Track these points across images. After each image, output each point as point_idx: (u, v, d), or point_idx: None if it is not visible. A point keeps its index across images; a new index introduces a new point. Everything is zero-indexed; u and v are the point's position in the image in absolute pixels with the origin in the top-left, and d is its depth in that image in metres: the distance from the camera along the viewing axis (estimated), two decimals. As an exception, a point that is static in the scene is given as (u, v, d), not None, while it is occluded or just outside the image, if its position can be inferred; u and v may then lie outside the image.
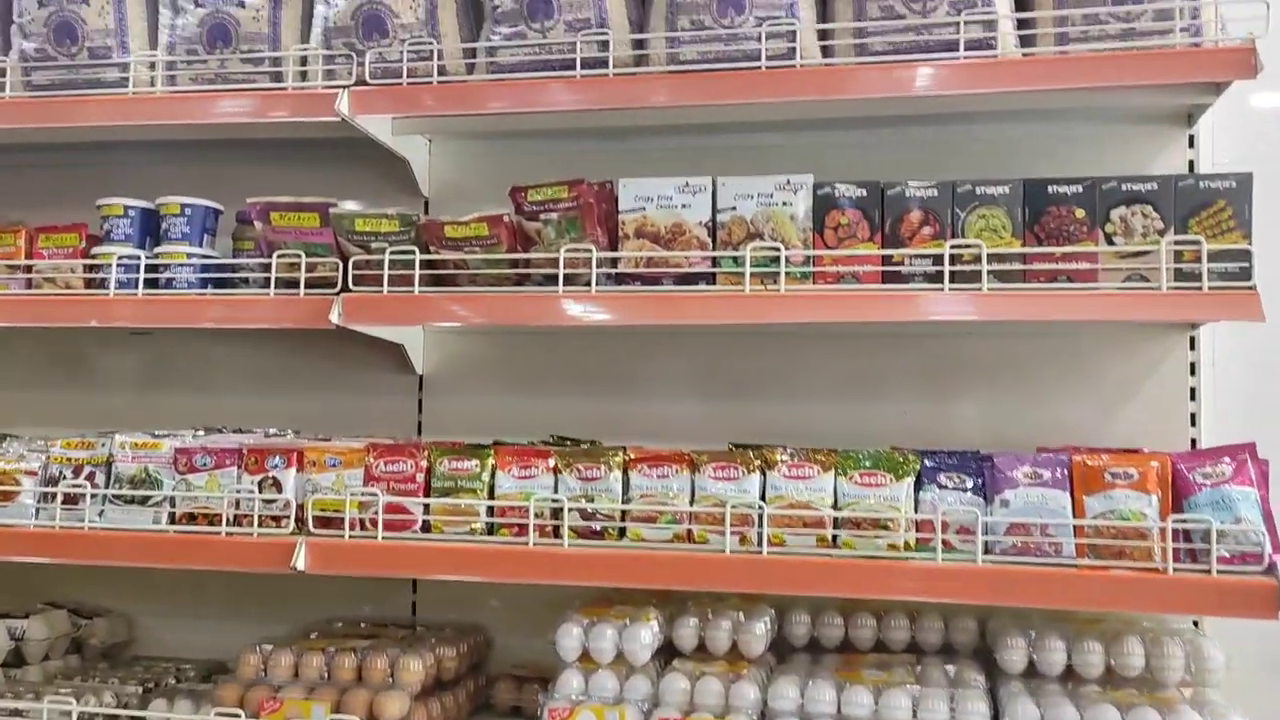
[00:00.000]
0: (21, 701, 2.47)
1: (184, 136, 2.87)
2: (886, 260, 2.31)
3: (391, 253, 2.49)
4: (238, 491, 2.46)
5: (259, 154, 3.00)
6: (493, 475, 2.38)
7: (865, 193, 2.33)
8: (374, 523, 2.37)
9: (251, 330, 2.94)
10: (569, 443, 2.68)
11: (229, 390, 3.10)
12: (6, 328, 2.77)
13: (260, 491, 2.44)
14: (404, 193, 2.97)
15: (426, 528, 2.38)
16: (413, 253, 2.48)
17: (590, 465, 2.33)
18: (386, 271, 2.49)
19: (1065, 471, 2.15)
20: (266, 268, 2.61)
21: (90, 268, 2.69)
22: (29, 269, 2.71)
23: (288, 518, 2.41)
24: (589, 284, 2.40)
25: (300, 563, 2.34)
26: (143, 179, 2.93)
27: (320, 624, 2.86)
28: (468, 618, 2.89)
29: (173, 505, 2.49)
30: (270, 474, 2.45)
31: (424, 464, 2.40)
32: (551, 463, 2.36)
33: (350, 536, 2.37)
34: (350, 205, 2.55)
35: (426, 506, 2.38)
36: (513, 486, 2.36)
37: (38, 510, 2.55)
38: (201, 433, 2.66)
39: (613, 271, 2.45)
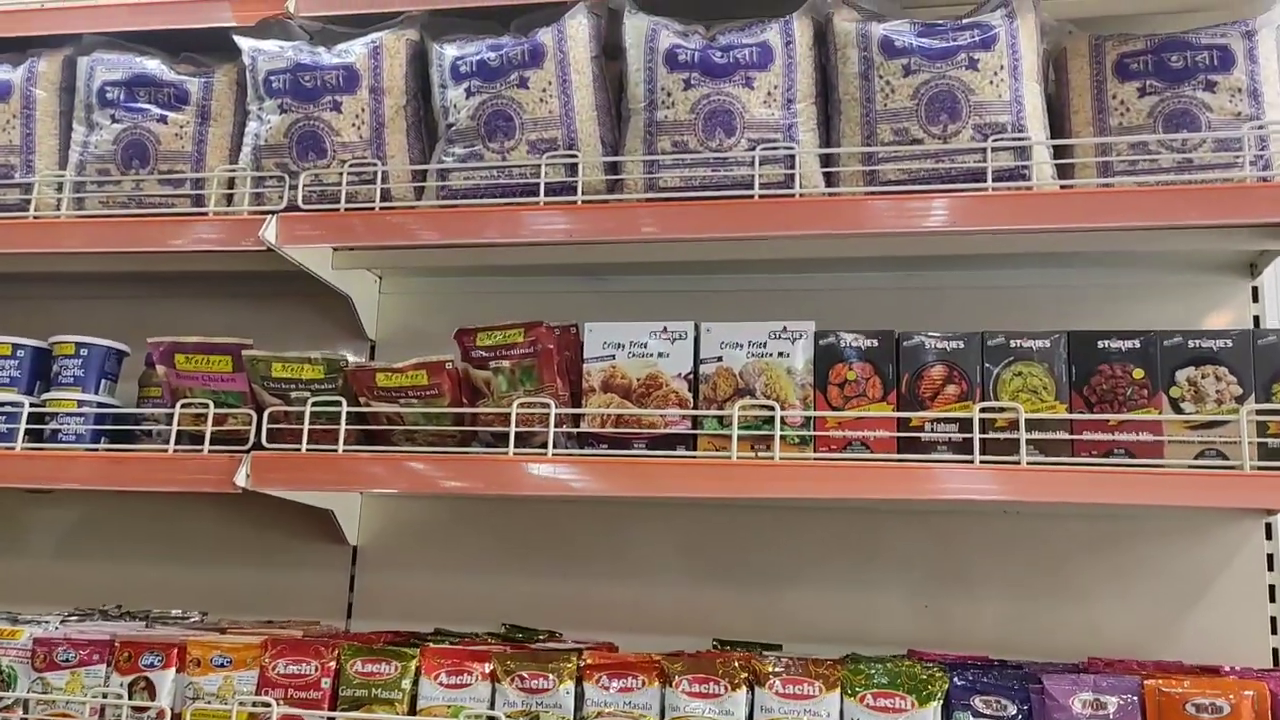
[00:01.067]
0: None
1: (92, 268, 2.52)
2: (903, 424, 1.91)
3: (314, 404, 2.10)
4: (103, 696, 1.99)
5: (181, 290, 2.64)
6: (415, 683, 1.91)
7: (877, 343, 1.95)
8: (267, 739, 1.89)
9: (161, 491, 2.52)
10: (523, 634, 2.23)
11: (135, 559, 2.65)
12: None
13: (130, 697, 1.97)
14: (348, 335, 2.59)
15: (343, 747, 1.91)
16: (339, 404, 2.09)
17: (537, 674, 1.86)
18: (307, 426, 2.09)
19: (1136, 701, 1.68)
20: (171, 419, 2.21)
21: (-33, 415, 2.29)
22: (-107, 416, 2.31)
23: (158, 729, 1.94)
24: (545, 446, 2.00)
25: (168, 792, 1.86)
26: (44, 317, 2.56)
27: None
28: None
29: (25, 710, 2.02)
30: (144, 674, 1.99)
31: (332, 665, 1.94)
32: (488, 668, 1.90)
33: (230, 758, 1.90)
34: (265, 350, 2.17)
35: (337, 721, 1.91)
36: (440, 698, 1.89)
37: None
38: (74, 617, 2.20)
39: (575, 431, 2.05)
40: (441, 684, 1.89)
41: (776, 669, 1.80)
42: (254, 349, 2.15)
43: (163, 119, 2.31)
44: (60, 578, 2.66)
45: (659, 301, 2.31)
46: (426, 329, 2.57)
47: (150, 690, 1.97)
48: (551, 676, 1.85)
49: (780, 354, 1.98)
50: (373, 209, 2.20)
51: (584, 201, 2.12)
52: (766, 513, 2.34)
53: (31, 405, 2.26)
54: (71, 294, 2.67)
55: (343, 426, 2.08)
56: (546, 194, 2.12)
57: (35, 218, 2.33)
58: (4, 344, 2.31)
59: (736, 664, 1.81)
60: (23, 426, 2.24)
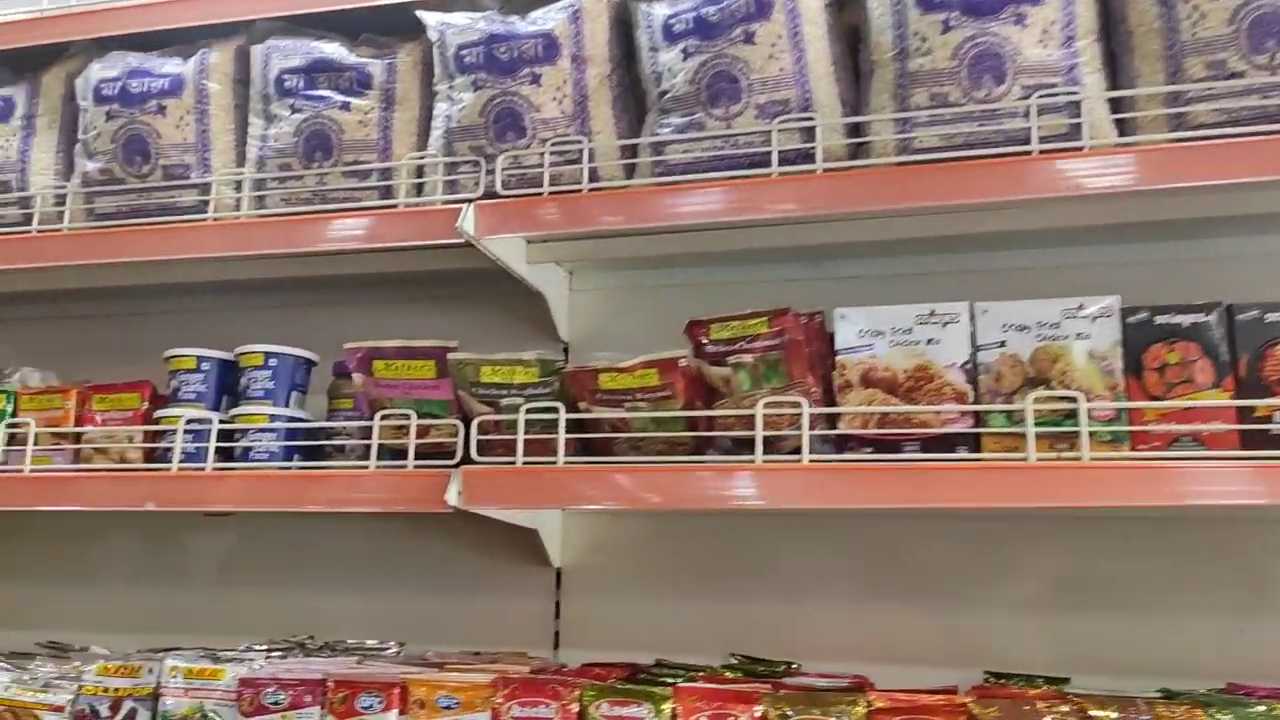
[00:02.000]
0: None
1: (272, 274, 2.33)
2: (1245, 414, 1.58)
3: (528, 410, 1.87)
4: (316, 745, 1.79)
5: (361, 295, 2.45)
6: (671, 727, 1.67)
7: (1204, 318, 1.63)
8: (500, 794, 1.67)
9: (349, 512, 2.33)
10: (762, 666, 1.97)
11: (322, 587, 2.47)
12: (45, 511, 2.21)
13: (348, 743, 1.77)
14: (539, 338, 2.36)
15: (576, 803, 1.67)
16: (556, 410, 1.86)
17: (815, 716, 1.59)
18: (521, 436, 1.86)
19: None
20: (367, 432, 2.02)
21: (152, 434, 2.14)
22: (77, 438, 2.17)
23: (384, 782, 1.73)
24: (797, 451, 1.73)
25: None
26: (222, 328, 2.39)
27: None
28: None
29: (232, 758, 1.84)
30: (362, 718, 1.78)
31: (574, 709, 1.70)
32: (759, 711, 1.63)
33: (465, 814, 1.68)
34: (471, 353, 1.95)
35: (577, 773, 1.68)
36: (705, 746, 1.64)
37: (60, 761, 1.92)
38: (277, 654, 2.01)
39: (829, 433, 1.78)
40: (701, 730, 1.64)
41: (1111, 713, 1.50)
42: (460, 352, 1.94)
43: (345, 106, 2.12)
44: (241, 606, 2.49)
45: (911, 288, 2.01)
46: (621, 329, 2.33)
47: (369, 737, 1.76)
48: (835, 722, 1.58)
49: (1078, 335, 1.67)
50: (580, 190, 1.97)
51: (825, 170, 1.84)
52: (1051, 522, 2.02)
53: (221, 422, 2.09)
54: (250, 304, 2.51)
55: (562, 435, 1.85)
56: (780, 164, 1.85)
57: (215, 219, 2.17)
58: (188, 356, 2.14)
59: (1063, 707, 1.51)
60: (213, 445, 2.07)
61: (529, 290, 2.28)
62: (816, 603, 2.14)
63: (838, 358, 1.78)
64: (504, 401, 1.91)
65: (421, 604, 2.38)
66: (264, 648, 2.09)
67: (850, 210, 1.81)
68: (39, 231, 2.26)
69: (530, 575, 2.32)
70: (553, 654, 2.29)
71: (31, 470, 2.14)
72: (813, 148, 1.85)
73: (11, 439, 2.19)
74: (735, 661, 2.05)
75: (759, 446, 1.73)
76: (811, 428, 1.73)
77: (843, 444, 1.77)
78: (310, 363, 2.17)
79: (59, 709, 1.94)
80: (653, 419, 1.85)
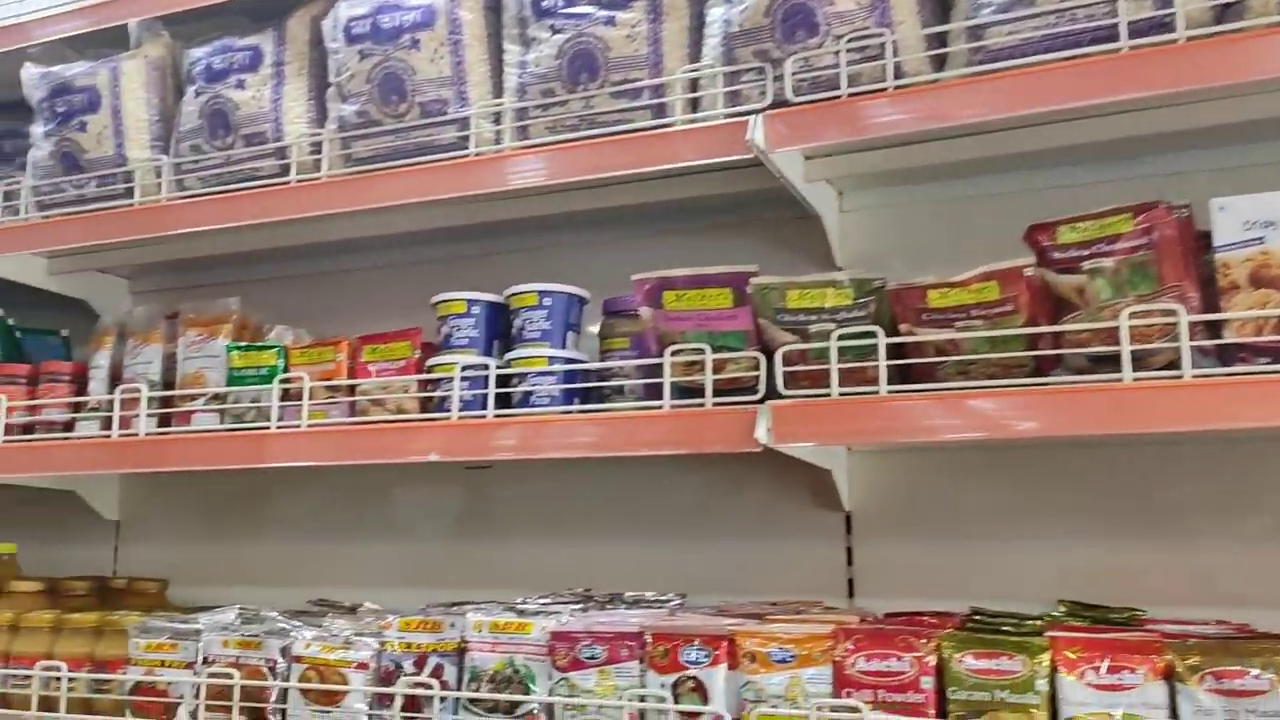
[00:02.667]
0: None
1: (533, 211, 2.22)
2: None
3: (841, 337, 1.69)
4: (642, 700, 1.67)
5: (616, 231, 2.32)
6: (1052, 681, 1.47)
7: None
8: (856, 755, 1.51)
9: (621, 458, 2.21)
10: (1092, 613, 1.74)
11: (590, 537, 2.36)
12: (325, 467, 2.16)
13: (677, 700, 1.65)
14: (807, 266, 2.17)
15: (942, 765, 1.50)
16: (874, 335, 1.67)
17: (1235, 670, 1.37)
18: (835, 365, 1.69)
19: None
20: (652, 371, 1.88)
21: (425, 384, 2.05)
22: (352, 390, 2.11)
23: (720, 742, 1.60)
24: (1172, 365, 1.50)
25: (749, 819, 1.51)
26: (479, 272, 2.29)
27: None
28: None
29: (550, 716, 1.74)
30: (689, 673, 1.65)
31: (931, 661, 1.53)
32: (1158, 661, 1.42)
33: (820, 774, 1.53)
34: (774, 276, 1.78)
35: (943, 727, 1.51)
36: (1093, 703, 1.43)
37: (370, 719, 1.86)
38: (577, 606, 1.91)
39: (1213, 343, 1.54)
40: (1091, 684, 1.44)
41: None
42: (761, 276, 1.77)
43: (610, 21, 1.96)
44: (509, 559, 2.42)
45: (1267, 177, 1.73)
46: (899, 251, 2.12)
47: (701, 691, 1.63)
48: (1266, 675, 1.35)
49: None
50: (887, 89, 1.76)
51: (1189, 39, 1.58)
52: None
53: (499, 367, 1.99)
54: (516, 246, 2.40)
55: (883, 362, 1.67)
56: (1131, 36, 1.60)
57: (476, 155, 2.05)
58: (458, 300, 2.05)
59: None
60: (492, 391, 1.97)
61: (801, 215, 2.11)
62: (1147, 540, 1.90)
63: (1218, 256, 1.53)
64: (813, 328, 1.74)
65: (699, 554, 2.25)
66: (544, 600, 1.98)
67: (1224, 84, 1.55)
68: (298, 182, 2.20)
69: (817, 520, 2.16)
70: (848, 603, 2.13)
71: (309, 425, 2.09)
72: (1169, 14, 1.59)
73: (286, 395, 2.14)
74: (1065, 609, 1.83)
75: (1126, 363, 1.51)
76: (1191, 338, 1.50)
77: (1229, 356, 1.52)
78: (583, 301, 2.05)
79: (363, 666, 1.88)
80: (987, 339, 1.64)
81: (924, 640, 1.54)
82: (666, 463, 2.28)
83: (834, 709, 1.54)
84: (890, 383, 1.67)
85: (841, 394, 1.69)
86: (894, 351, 1.70)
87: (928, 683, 1.51)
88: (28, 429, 2.39)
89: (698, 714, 1.63)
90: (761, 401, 1.74)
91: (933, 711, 1.50)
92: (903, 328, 1.69)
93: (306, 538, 2.62)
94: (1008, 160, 1.96)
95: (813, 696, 1.57)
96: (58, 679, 2.07)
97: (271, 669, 1.94)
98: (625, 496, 2.32)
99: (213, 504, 2.74)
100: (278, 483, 2.65)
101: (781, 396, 1.73)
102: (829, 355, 1.69)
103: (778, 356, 1.74)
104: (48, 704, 2.09)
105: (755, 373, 1.78)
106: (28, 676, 2.10)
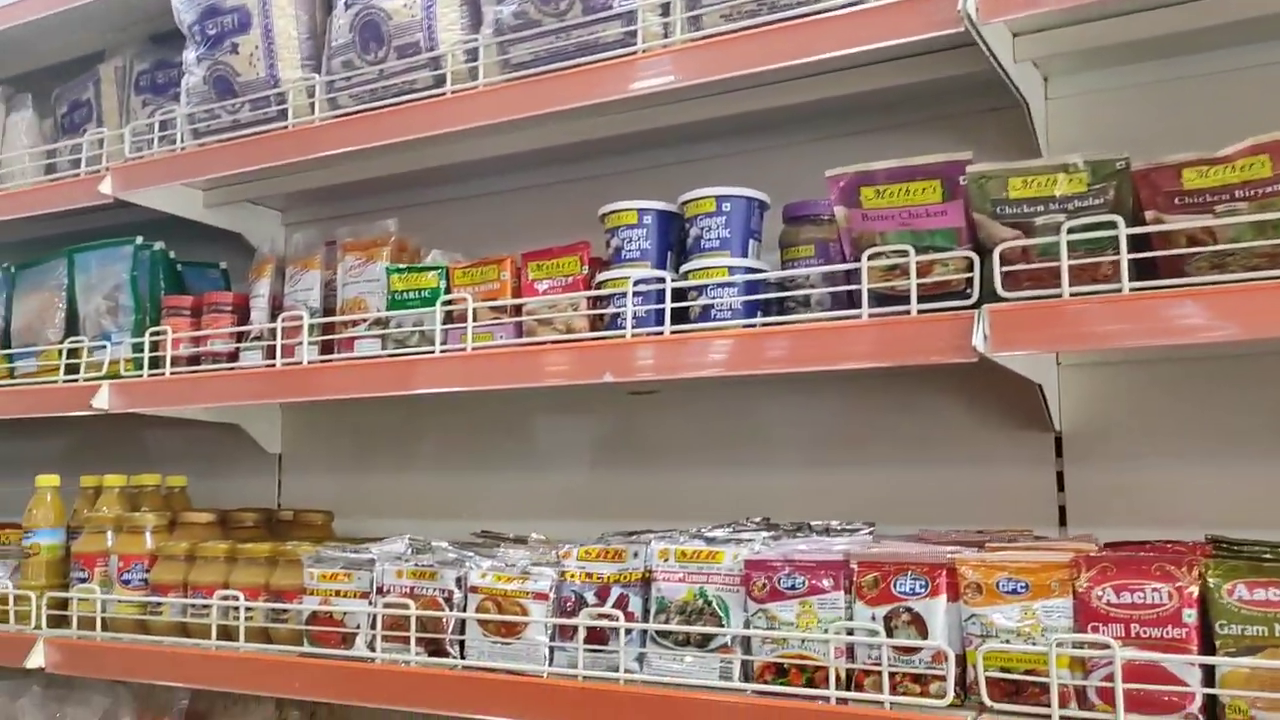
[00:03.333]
0: None
1: (705, 114, 2.05)
2: None
3: (1074, 230, 1.49)
4: (849, 633, 1.53)
5: (786, 136, 2.15)
6: (1350, 616, 1.27)
7: None
8: (1104, 695, 1.34)
9: (799, 376, 2.06)
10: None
11: (766, 462, 2.22)
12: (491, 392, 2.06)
13: (890, 634, 1.50)
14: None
15: (1211, 711, 1.31)
16: (1113, 226, 1.46)
17: None
18: (1066, 261, 1.48)
19: None
20: (843, 278, 1.71)
21: (596, 301, 1.93)
22: (518, 310, 2.00)
23: (941, 678, 1.44)
24: None
25: (978, 765, 1.36)
26: (644, 186, 2.14)
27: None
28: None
29: (746, 649, 1.62)
30: (904, 604, 1.50)
31: (1193, 591, 1.34)
32: None
33: (1062, 717, 1.36)
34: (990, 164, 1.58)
35: (1209, 671, 1.32)
36: (1404, 640, 1.23)
37: (552, 652, 1.77)
38: (765, 533, 1.76)
39: None
40: (1401, 618, 1.23)
41: None
42: (977, 164, 1.57)
43: (790, -110, 1.77)
44: (680, 486, 2.29)
45: None
46: (1108, 145, 1.88)
47: (918, 625, 1.48)
48: None
49: None
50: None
51: None
52: None
53: (674, 280, 1.84)
54: (684, 157, 2.25)
55: (1124, 255, 1.46)
56: None
57: (644, 50, 1.89)
58: (628, 210, 1.91)
59: None
60: (669, 305, 1.83)
61: (1000, 106, 1.91)
62: None
63: None
64: (1039, 221, 1.53)
65: (887, 479, 2.08)
66: (724, 529, 1.84)
67: None
68: (453, 93, 2.08)
69: (1024, 442, 1.97)
70: (1059, 532, 1.94)
71: (474, 349, 1.99)
72: None
73: (449, 317, 2.05)
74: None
75: None
76: None
77: None
78: (764, 205, 1.89)
79: (542, 596, 1.79)
80: (1252, 225, 1.41)
81: (1184, 568, 1.34)
82: (850, 380, 2.12)
83: (1078, 645, 1.37)
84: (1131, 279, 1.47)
85: (1073, 294, 1.49)
86: (1134, 244, 1.49)
87: (1190, 616, 1.32)
88: (194, 360, 2.37)
89: (915, 650, 1.47)
90: (976, 306, 1.55)
91: (1196, 648, 1.32)
92: (1149, 215, 1.48)
93: (466, 467, 2.55)
94: (1233, 31, 1.71)
95: (1051, 631, 1.39)
96: (236, 608, 2.04)
97: (447, 599, 1.86)
98: (804, 419, 2.17)
99: (371, 436, 2.70)
100: (435, 411, 2.59)
101: (998, 300, 1.54)
102: (1057, 251, 1.49)
103: (995, 255, 1.55)
104: (226, 633, 2.07)
105: (967, 274, 1.59)
106: (206, 606, 2.08)
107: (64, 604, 2.28)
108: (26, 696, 2.41)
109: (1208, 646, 1.33)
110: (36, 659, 2.22)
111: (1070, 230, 1.49)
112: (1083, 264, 1.50)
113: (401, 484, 2.64)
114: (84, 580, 2.27)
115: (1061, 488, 1.94)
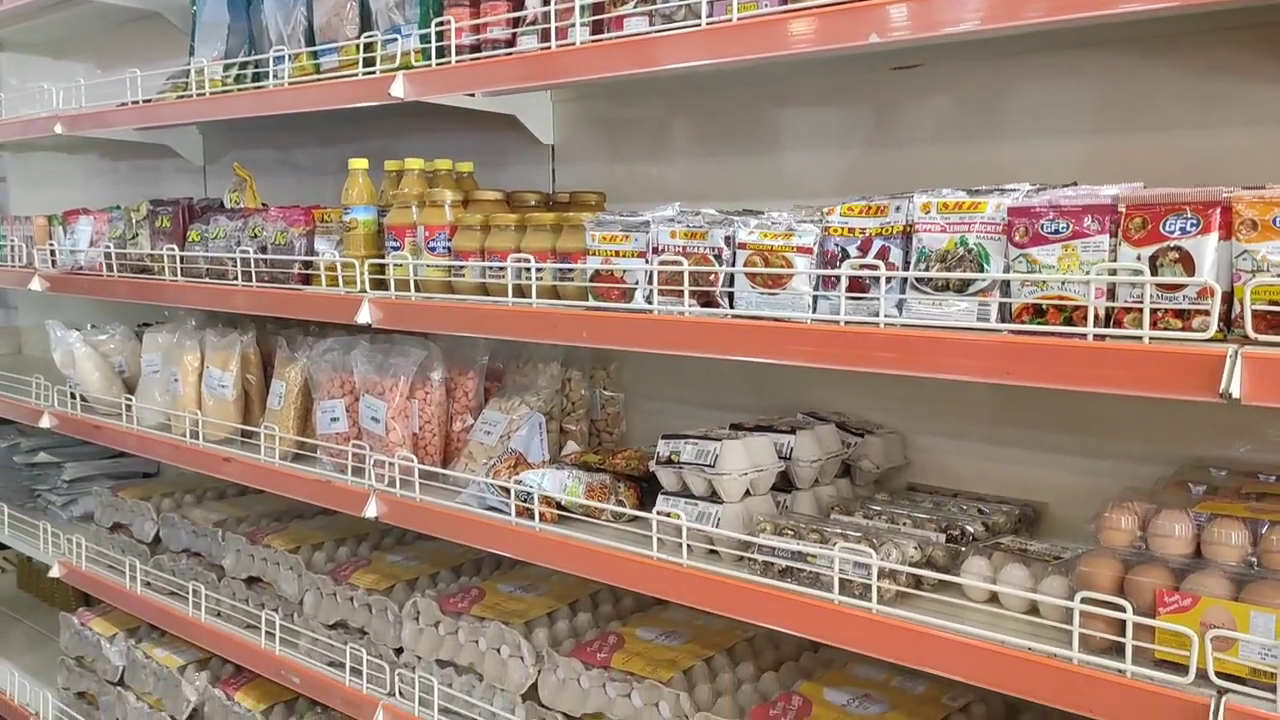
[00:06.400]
0: (804, 542, 1.91)
1: None
2: None
3: None
4: (1112, 274, 1.57)
5: None
6: None
7: None
8: (1380, 325, 1.35)
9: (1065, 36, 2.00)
10: None
11: (1026, 136, 2.20)
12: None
13: (1155, 272, 1.53)
14: None
15: None
16: None
17: None
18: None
19: None
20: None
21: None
22: (783, -24, 2.01)
23: (1206, 313, 1.48)
24: None
25: (1234, 386, 1.41)
26: None
27: (1187, 469, 1.96)
28: None
29: (1005, 293, 1.70)
30: (1172, 243, 1.52)
31: None
32: None
33: (1333, 346, 1.38)
34: None
35: None
36: None
37: (815, 300, 1.91)
38: (1031, 187, 1.79)
39: None
40: None
41: None
42: None
43: None
44: (933, 163, 2.32)
45: None
46: None
47: (1186, 263, 1.50)
48: None
49: None
50: None
51: None
52: None
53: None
54: None
55: None
56: None
57: None
58: None
59: None
60: (938, -40, 1.80)
61: None
62: None
63: None
64: None
65: (1156, 143, 2.03)
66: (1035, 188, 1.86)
67: None
68: None
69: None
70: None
71: (739, 19, 2.04)
72: None
73: (713, -11, 2.09)
74: None
75: None
76: None
77: None
78: None
79: (806, 250, 1.91)
80: None
81: None
82: (1118, 48, 2.03)
83: (1356, 276, 1.36)
84: None
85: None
86: None
87: None
88: (475, 49, 2.54)
89: (1179, 287, 1.51)
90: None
91: None
92: None
93: (725, 153, 2.66)
94: None
95: (1328, 264, 1.39)
96: (527, 269, 2.30)
97: (717, 256, 2.02)
98: (1073, 89, 2.11)
99: (636, 126, 2.83)
100: (696, 95, 2.68)
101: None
102: None
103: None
104: (520, 291, 2.33)
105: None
106: (502, 268, 2.35)
107: (382, 270, 2.62)
108: (358, 349, 2.82)
109: None
110: (364, 316, 2.59)
111: None
112: None
113: (665, 170, 2.79)
114: (397, 249, 2.59)
115: (1359, 146, 1.84)
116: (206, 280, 3.13)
